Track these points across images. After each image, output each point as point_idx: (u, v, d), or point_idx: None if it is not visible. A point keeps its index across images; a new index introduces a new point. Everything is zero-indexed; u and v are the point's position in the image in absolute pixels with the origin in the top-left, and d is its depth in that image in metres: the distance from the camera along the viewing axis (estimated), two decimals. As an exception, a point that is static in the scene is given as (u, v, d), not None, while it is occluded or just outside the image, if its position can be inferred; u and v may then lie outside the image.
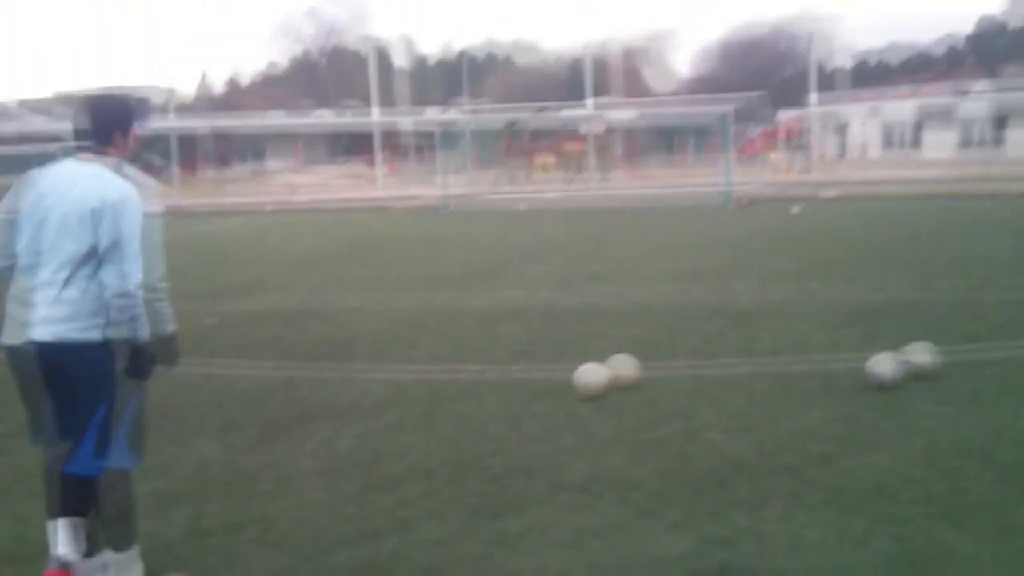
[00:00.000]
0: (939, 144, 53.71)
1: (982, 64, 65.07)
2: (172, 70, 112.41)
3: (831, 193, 21.34)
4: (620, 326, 8.57)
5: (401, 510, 4.36)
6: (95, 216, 3.30)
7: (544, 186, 36.82)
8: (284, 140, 62.23)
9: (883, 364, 6.14)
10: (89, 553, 3.50)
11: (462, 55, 73.70)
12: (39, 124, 43.08)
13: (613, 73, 60.09)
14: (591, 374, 6.27)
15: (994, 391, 6.04)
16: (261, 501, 4.52)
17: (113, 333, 3.43)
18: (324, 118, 66.78)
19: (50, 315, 3.33)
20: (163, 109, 43.03)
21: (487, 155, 49.99)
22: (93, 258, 3.33)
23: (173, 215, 27.09)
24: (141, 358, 3.48)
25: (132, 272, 3.33)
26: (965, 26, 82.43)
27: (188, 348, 7.94)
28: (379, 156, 33.28)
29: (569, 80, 52.88)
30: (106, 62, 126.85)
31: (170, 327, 3.57)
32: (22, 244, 3.42)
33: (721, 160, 28.57)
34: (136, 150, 3.60)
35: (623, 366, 6.42)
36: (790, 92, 56.36)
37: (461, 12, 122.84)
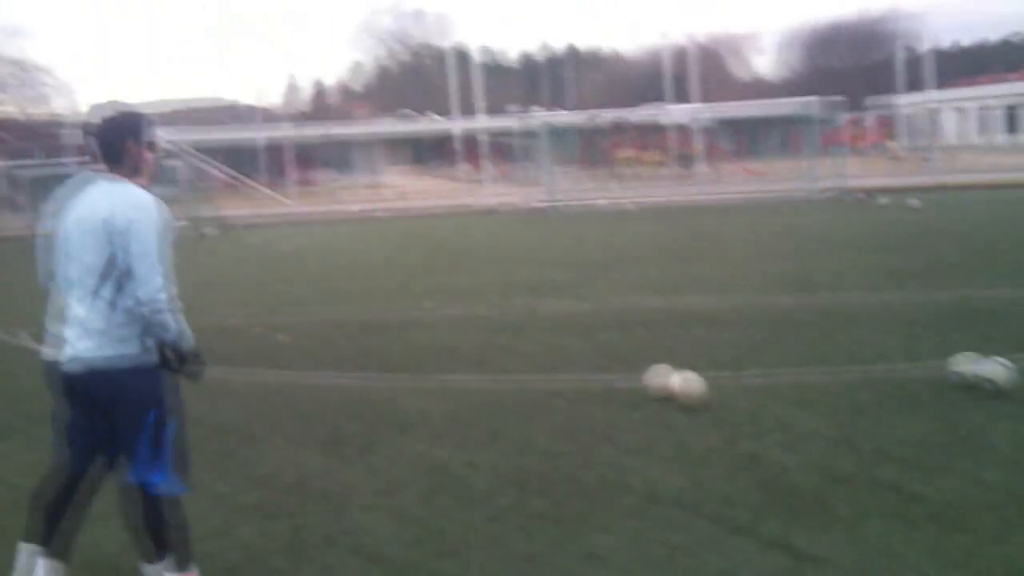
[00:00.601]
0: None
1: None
2: (279, 79, 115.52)
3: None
4: (724, 332, 8.44)
5: (492, 524, 4.40)
6: (107, 227, 3.36)
7: (651, 183, 36.52)
8: (393, 146, 63.40)
9: (996, 370, 5.88)
10: None
11: (568, 51, 73.56)
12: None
13: (710, 66, 59.07)
14: (689, 384, 6.19)
15: (1120, 398, 5.71)
16: (358, 513, 4.63)
17: (151, 343, 3.52)
18: (431, 122, 67.82)
19: (84, 333, 3.42)
20: (276, 119, 44.41)
21: (593, 154, 49.87)
22: (114, 270, 3.39)
23: (290, 224, 28.03)
24: (175, 357, 3.58)
25: (153, 281, 3.37)
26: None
27: (296, 358, 8.28)
28: (485, 159, 33.56)
29: (672, 76, 52.19)
30: (206, 76, 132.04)
31: (188, 342, 3.57)
32: (57, 263, 3.52)
33: (835, 151, 27.78)
34: (154, 165, 3.66)
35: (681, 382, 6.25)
36: (907, 77, 54.27)
37: (524, 20, 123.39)
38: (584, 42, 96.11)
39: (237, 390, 7.34)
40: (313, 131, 55.04)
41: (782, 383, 6.57)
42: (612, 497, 4.68)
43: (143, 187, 3.56)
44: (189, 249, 22.25)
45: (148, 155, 3.61)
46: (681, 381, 6.19)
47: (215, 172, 40.41)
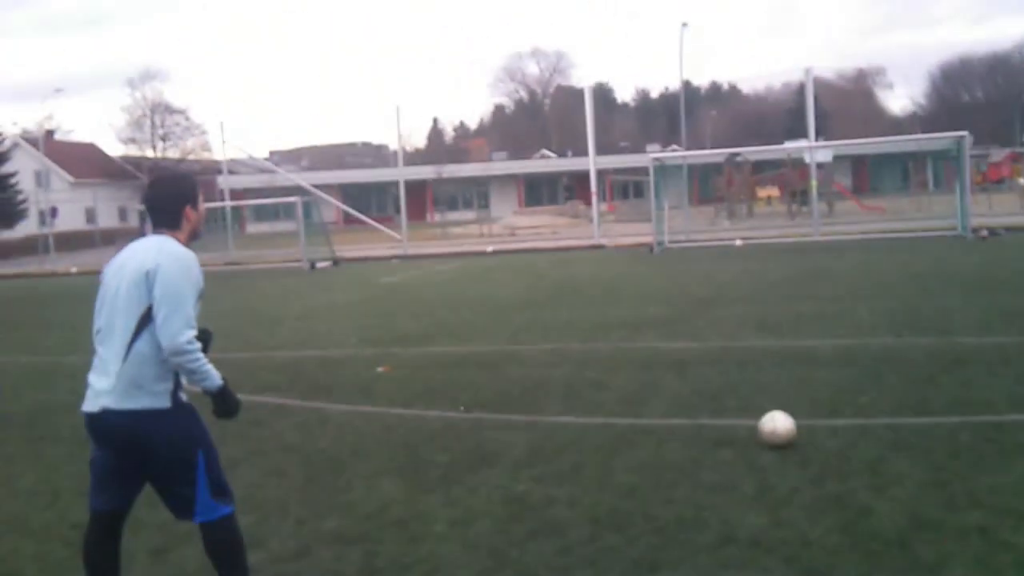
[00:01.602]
0: None
1: None
2: (403, 120, 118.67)
3: None
4: (823, 371, 8.22)
5: (562, 557, 4.41)
6: (149, 278, 3.49)
7: (766, 221, 35.89)
8: (505, 183, 64.21)
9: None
10: None
11: (684, 88, 73.19)
12: (281, 176, 46.54)
13: (835, 102, 57.85)
14: (778, 422, 6.06)
15: None
16: (432, 542, 4.70)
17: (184, 394, 3.62)
18: (545, 159, 68.54)
19: (119, 385, 3.50)
20: (392, 158, 45.61)
21: (707, 191, 49.44)
22: (151, 321, 3.49)
23: (401, 260, 28.66)
24: (221, 402, 3.69)
25: (181, 329, 3.46)
26: None
27: (392, 390, 8.46)
28: (596, 196, 33.59)
29: (792, 111, 51.32)
30: (340, 115, 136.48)
31: (215, 383, 3.64)
32: (103, 316, 3.64)
33: (960, 188, 26.74)
34: (201, 224, 3.83)
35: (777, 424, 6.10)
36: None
37: (655, 59, 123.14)
38: (707, 79, 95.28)
39: (332, 420, 7.56)
40: (426, 169, 56.34)
41: (878, 424, 6.37)
42: (687, 535, 4.62)
43: (182, 242, 3.71)
44: (303, 283, 23.00)
45: (196, 217, 3.80)
46: (769, 420, 6.07)
47: (330, 209, 41.68)
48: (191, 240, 3.79)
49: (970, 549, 4.19)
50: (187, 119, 69.91)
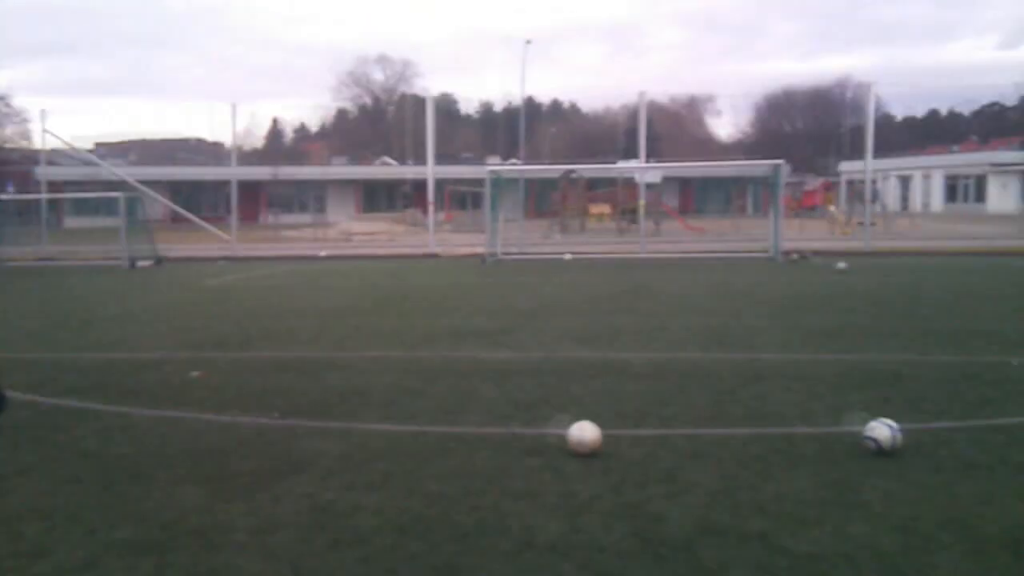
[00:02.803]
0: (1004, 198, 52.81)
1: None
2: (240, 118, 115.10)
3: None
4: (632, 383, 8.53)
5: (362, 566, 4.40)
6: None
7: (596, 236, 36.91)
8: (344, 188, 63.44)
9: (881, 430, 6.04)
10: None
11: (526, 105, 74.40)
12: (105, 170, 44.33)
13: (666, 126, 60.36)
14: (584, 432, 6.25)
15: (994, 459, 5.90)
16: (229, 552, 4.59)
17: None
18: (385, 166, 68.20)
19: None
20: (227, 157, 44.17)
21: (542, 205, 50.45)
22: None
23: (229, 261, 27.80)
24: None
25: None
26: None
27: (204, 396, 8.20)
28: (432, 205, 33.64)
29: (627, 132, 53.13)
30: (172, 109, 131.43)
31: None
32: None
33: (774, 213, 28.33)
34: None
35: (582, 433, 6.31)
36: (854, 143, 55.73)
37: (498, 75, 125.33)
38: (545, 96, 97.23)
39: (137, 425, 7.27)
40: (261, 170, 54.97)
41: (678, 435, 6.67)
42: (488, 541, 4.70)
43: None
44: (120, 281, 21.99)
45: None
46: (575, 430, 6.25)
47: (157, 206, 40.02)
48: None
49: (751, 554, 4.45)
50: (7, 106, 65.52)
